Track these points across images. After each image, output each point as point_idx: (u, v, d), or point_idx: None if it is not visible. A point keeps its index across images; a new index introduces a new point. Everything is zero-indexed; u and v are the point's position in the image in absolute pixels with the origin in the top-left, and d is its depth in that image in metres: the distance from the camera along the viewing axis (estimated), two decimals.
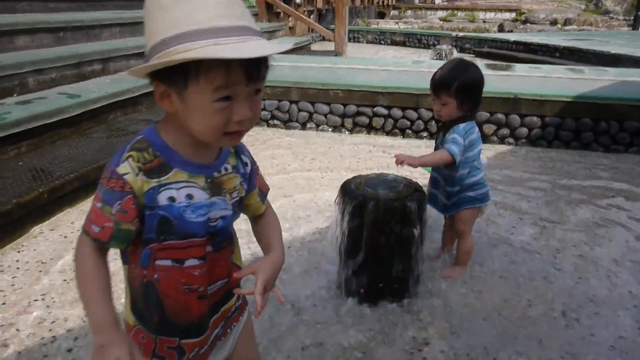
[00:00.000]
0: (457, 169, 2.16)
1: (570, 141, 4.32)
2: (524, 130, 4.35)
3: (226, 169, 1.07)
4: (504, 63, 7.03)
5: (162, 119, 1.03)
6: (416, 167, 2.16)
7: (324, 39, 11.09)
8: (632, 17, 29.30)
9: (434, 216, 2.50)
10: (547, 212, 3.05)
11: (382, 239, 1.99)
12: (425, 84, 4.51)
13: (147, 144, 0.98)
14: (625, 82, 5.00)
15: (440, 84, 2.11)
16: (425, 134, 4.52)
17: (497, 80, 4.93)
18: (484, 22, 33.70)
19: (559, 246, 2.63)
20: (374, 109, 4.57)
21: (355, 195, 2.02)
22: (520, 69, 5.87)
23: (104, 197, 0.95)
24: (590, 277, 2.35)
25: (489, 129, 4.39)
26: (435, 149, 2.26)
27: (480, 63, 6.36)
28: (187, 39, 0.85)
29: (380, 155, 4.02)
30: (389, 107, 4.54)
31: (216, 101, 0.89)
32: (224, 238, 1.11)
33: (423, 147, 4.19)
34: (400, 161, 2.01)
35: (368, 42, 13.89)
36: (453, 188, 2.21)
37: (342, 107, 4.61)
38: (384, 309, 2.06)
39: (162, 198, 0.97)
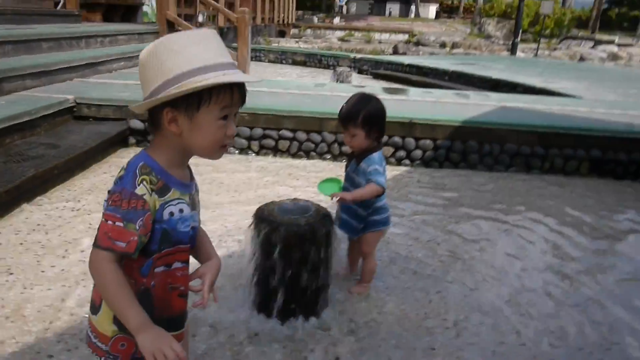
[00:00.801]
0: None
1: (459, 162, 4.74)
2: (418, 153, 4.72)
3: (196, 188, 1.33)
4: (400, 87, 7.49)
5: (151, 146, 1.24)
6: (350, 202, 2.30)
7: None
8: (510, 42, 31.92)
9: (339, 238, 2.68)
10: (439, 229, 3.36)
11: (293, 261, 2.13)
12: (327, 108, 4.79)
13: (149, 169, 1.19)
14: (505, 108, 5.56)
15: (347, 117, 2.30)
16: (328, 155, 4.75)
17: (394, 105, 5.28)
18: (380, 42, 35.25)
19: (450, 261, 2.92)
20: (280, 132, 4.73)
21: (269, 221, 2.15)
22: (414, 93, 6.33)
23: (126, 216, 1.13)
24: (478, 289, 2.64)
25: (387, 151, 4.70)
26: (347, 176, 2.43)
27: (379, 87, 6.78)
28: (201, 72, 1.12)
29: (287, 178, 4.19)
30: (294, 130, 4.72)
31: (220, 119, 1.17)
32: (192, 245, 1.33)
33: (327, 169, 4.41)
34: (336, 198, 2.19)
35: (270, 61, 14.08)
36: (365, 211, 2.41)
37: (248, 130, 4.72)
38: (297, 326, 2.20)
39: (165, 214, 1.20)
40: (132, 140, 4.69)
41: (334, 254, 2.33)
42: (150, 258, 1.22)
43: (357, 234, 2.48)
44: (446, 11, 49.12)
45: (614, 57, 32.37)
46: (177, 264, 1.28)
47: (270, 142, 4.74)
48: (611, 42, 34.66)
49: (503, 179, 4.52)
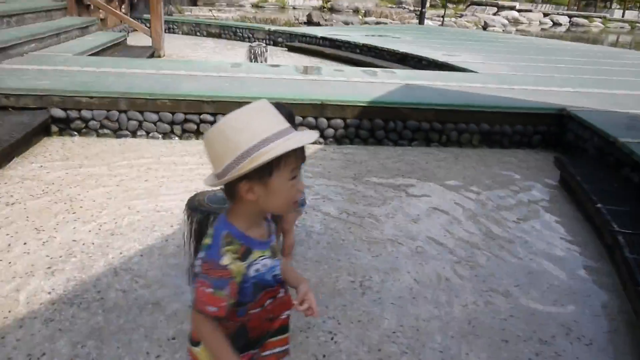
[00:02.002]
0: None
1: (367, 138, 5.24)
2: (330, 131, 5.16)
3: (273, 240, 1.47)
4: (314, 66, 7.84)
5: (231, 212, 1.37)
6: None
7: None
8: (421, 9, 32.83)
9: None
10: (350, 202, 3.84)
11: None
12: (244, 92, 5.10)
13: (231, 237, 1.33)
14: (408, 86, 6.11)
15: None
16: None
17: (307, 86, 5.69)
18: (294, 8, 35.16)
19: (359, 230, 3.41)
20: (201, 116, 5.00)
21: (200, 210, 2.51)
22: (326, 72, 6.74)
23: (215, 284, 1.31)
24: (381, 254, 3.15)
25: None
26: None
27: (292, 68, 7.12)
28: (267, 142, 1.23)
29: (206, 161, 4.49)
30: (214, 114, 5.01)
31: (290, 180, 1.29)
32: (281, 282, 1.51)
33: None
34: None
35: (184, 33, 13.98)
36: None
37: (170, 115, 4.96)
38: None
39: (252, 271, 1.36)
40: (54, 128, 4.79)
41: None
42: (245, 306, 1.41)
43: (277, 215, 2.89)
44: None
45: (515, 22, 34.32)
46: (268, 301, 1.47)
47: (192, 126, 5.01)
48: (512, 8, 36.64)
49: (406, 153, 5.07)
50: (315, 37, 11.78)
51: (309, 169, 4.33)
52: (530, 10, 37.54)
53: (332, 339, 2.38)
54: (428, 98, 5.52)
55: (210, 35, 13.71)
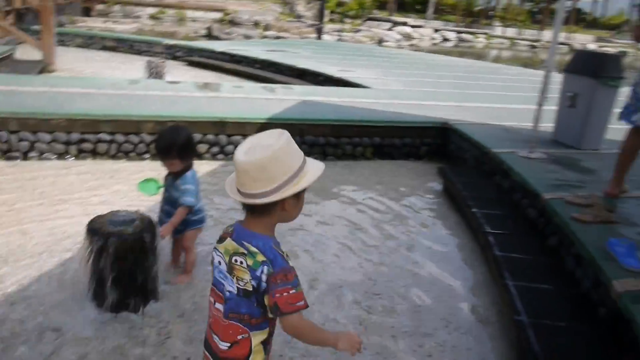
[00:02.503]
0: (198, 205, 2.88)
1: None
2: (231, 148, 5.28)
3: None
4: (213, 83, 7.90)
5: (260, 225, 1.60)
6: (169, 233, 2.80)
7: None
8: (318, 22, 33.64)
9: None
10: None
11: (126, 265, 2.58)
12: (143, 110, 5.10)
13: (278, 243, 1.59)
14: (305, 102, 6.38)
15: (162, 152, 2.78)
16: (147, 155, 5.08)
17: (207, 103, 5.79)
18: (194, 21, 34.74)
19: None
20: (98, 135, 4.94)
21: (101, 233, 2.55)
22: (225, 89, 6.86)
23: (294, 283, 1.54)
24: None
25: (203, 148, 5.19)
26: (166, 190, 2.91)
27: (192, 84, 7.16)
28: (305, 163, 1.54)
29: (109, 181, 4.45)
30: (112, 133, 4.97)
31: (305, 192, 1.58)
32: None
33: (147, 169, 4.77)
34: (162, 235, 2.68)
35: (77, 46, 13.43)
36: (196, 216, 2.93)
37: (65, 135, 4.85)
38: (132, 317, 2.65)
39: None
40: None
41: (159, 252, 2.81)
42: None
43: (178, 233, 2.99)
44: None
45: (408, 37, 36.09)
46: None
47: (88, 146, 4.93)
48: (405, 24, 38.52)
49: None
50: (214, 52, 11.82)
51: (210, 187, 4.40)
52: (421, 26, 39.66)
53: None
54: (324, 114, 5.82)
55: (105, 48, 13.28)
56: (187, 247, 3.03)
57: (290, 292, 1.52)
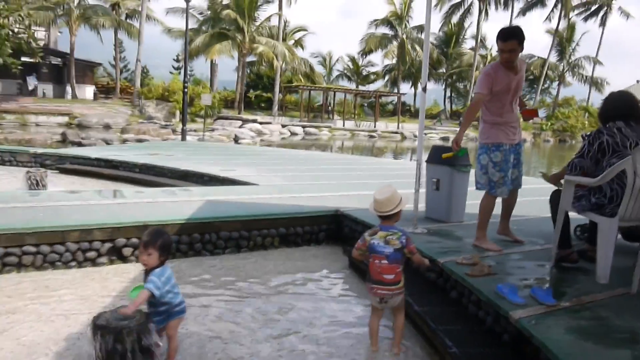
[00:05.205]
0: (164, 297, 3.32)
1: (188, 251, 5.88)
2: None
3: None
4: (111, 189, 8.13)
5: (388, 223, 3.71)
6: (133, 310, 3.16)
7: None
8: (171, 123, 34.35)
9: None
10: (194, 308, 4.43)
11: (136, 349, 2.97)
12: (66, 219, 5.32)
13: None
14: (210, 201, 6.98)
15: (149, 240, 3.27)
16: (74, 263, 5.26)
17: (121, 209, 6.13)
18: (37, 125, 33.33)
19: (215, 326, 4.04)
20: (23, 248, 5.04)
21: (110, 329, 2.94)
22: (129, 195, 7.20)
23: (413, 240, 3.69)
24: (228, 340, 3.83)
25: (127, 252, 5.51)
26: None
27: (95, 193, 7.38)
28: (401, 196, 3.75)
29: (43, 293, 4.60)
30: (37, 245, 5.10)
31: None
32: None
33: (78, 276, 4.98)
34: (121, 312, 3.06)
35: None
36: (163, 307, 3.36)
37: None
38: None
39: None
40: None
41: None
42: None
43: (162, 322, 3.41)
44: (103, 92, 49.39)
45: (259, 133, 38.07)
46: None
47: (13, 259, 5.00)
48: (254, 121, 40.71)
49: (224, 259, 5.85)
50: (90, 159, 11.86)
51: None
52: (270, 123, 42.17)
53: None
54: (233, 211, 6.46)
55: None
56: (170, 335, 3.44)
57: (412, 244, 3.64)
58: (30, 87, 41.19)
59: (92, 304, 4.36)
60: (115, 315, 3.08)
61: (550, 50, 58.40)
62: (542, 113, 60.91)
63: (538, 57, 61.13)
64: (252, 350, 3.75)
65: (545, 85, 66.17)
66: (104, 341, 2.92)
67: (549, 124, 55.80)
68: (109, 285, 4.87)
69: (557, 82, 64.30)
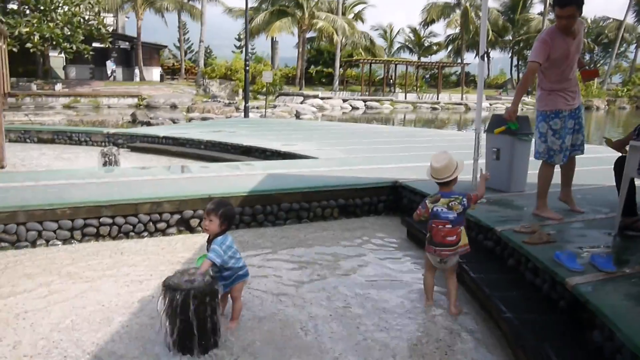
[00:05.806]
0: (227, 263, 3.54)
1: (251, 222, 6.13)
2: None
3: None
4: (179, 165, 8.54)
5: (446, 189, 3.89)
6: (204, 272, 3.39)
7: None
8: (235, 100, 34.86)
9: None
10: (266, 277, 4.65)
11: (201, 311, 3.20)
12: (136, 193, 5.67)
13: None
14: (271, 175, 7.20)
15: (212, 207, 3.48)
16: (145, 234, 5.63)
17: (189, 183, 6.45)
18: (109, 107, 34.89)
19: (278, 291, 4.24)
20: (100, 220, 5.44)
21: (182, 289, 3.17)
22: (195, 170, 7.54)
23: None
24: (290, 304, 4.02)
25: (194, 223, 5.82)
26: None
27: (161, 168, 7.76)
28: (457, 162, 3.89)
29: (119, 260, 4.97)
30: (112, 217, 5.49)
31: None
32: None
33: (150, 245, 5.33)
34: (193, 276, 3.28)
35: (11, 140, 13.47)
36: (228, 272, 3.58)
37: (69, 222, 5.32)
38: (212, 355, 3.24)
39: None
40: None
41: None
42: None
43: (227, 287, 3.63)
44: (169, 73, 50.98)
45: (320, 108, 38.20)
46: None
47: (91, 230, 5.41)
48: (316, 97, 40.85)
49: (285, 230, 6.06)
50: (158, 137, 12.41)
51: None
52: (331, 98, 42.22)
53: None
54: (294, 183, 6.65)
55: (41, 141, 13.46)
56: (235, 297, 3.67)
57: (472, 196, 3.84)
58: (109, 71, 43.13)
59: (162, 271, 4.66)
60: (185, 278, 3.32)
61: (627, 11, 54.82)
62: (618, 78, 57.59)
63: (613, 20, 57.54)
64: (310, 311, 3.93)
65: (622, 49, 62.28)
66: (174, 301, 3.16)
67: (625, 89, 52.72)
68: (178, 254, 5.18)
69: (634, 45, 60.37)
